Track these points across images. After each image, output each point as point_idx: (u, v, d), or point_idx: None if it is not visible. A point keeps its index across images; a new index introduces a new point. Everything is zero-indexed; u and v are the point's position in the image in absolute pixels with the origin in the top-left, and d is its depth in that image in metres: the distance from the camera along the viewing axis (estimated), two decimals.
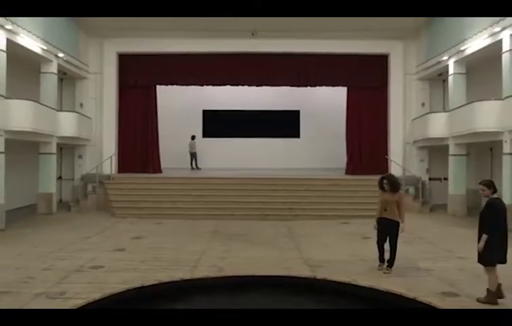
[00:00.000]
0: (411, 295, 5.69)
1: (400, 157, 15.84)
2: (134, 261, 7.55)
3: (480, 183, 5.63)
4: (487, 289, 5.48)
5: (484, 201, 5.65)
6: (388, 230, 6.74)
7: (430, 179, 16.09)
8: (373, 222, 7.05)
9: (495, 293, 5.41)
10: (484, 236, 5.33)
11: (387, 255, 6.90)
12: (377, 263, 7.00)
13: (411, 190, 15.14)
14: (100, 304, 5.47)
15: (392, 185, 6.80)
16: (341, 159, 16.88)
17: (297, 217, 12.51)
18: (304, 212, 12.81)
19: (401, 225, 6.68)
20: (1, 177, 10.76)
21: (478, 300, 5.49)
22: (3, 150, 10.77)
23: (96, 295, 5.64)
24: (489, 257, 5.38)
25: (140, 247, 8.75)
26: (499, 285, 5.44)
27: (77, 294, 5.68)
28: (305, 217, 12.50)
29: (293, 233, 10.50)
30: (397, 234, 6.70)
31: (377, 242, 6.95)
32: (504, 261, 5.38)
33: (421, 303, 5.46)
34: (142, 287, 6.04)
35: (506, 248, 5.36)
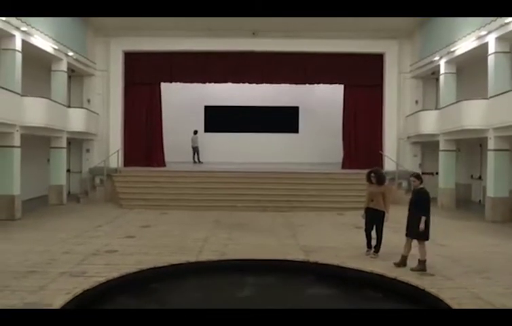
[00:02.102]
0: (392, 275, 6.43)
1: (395, 153, 16.55)
2: (145, 246, 8.29)
3: (411, 176, 6.95)
4: (420, 260, 6.69)
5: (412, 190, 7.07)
6: (374, 219, 7.46)
7: (422, 173, 16.75)
8: (363, 212, 7.78)
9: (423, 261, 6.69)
10: (423, 218, 6.56)
11: (374, 242, 7.63)
12: (366, 249, 7.72)
13: (404, 184, 15.85)
14: (118, 282, 6.20)
15: (378, 178, 7.52)
16: (338, 154, 17.57)
17: (295, 209, 13.22)
18: (302, 204, 13.53)
19: (386, 214, 7.40)
20: (17, 170, 11.48)
21: (412, 269, 6.64)
22: (18, 144, 11.48)
23: (114, 274, 6.37)
24: (426, 233, 6.64)
25: (149, 235, 9.50)
26: (405, 257, 6.86)
27: (97, 273, 6.41)
28: (303, 209, 13.21)
29: (290, 223, 11.22)
30: (382, 222, 7.42)
31: (365, 230, 7.67)
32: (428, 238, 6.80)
33: (400, 281, 6.20)
34: (154, 268, 6.78)
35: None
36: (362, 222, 7.93)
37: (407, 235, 6.88)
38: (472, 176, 15.90)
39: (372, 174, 7.60)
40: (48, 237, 9.08)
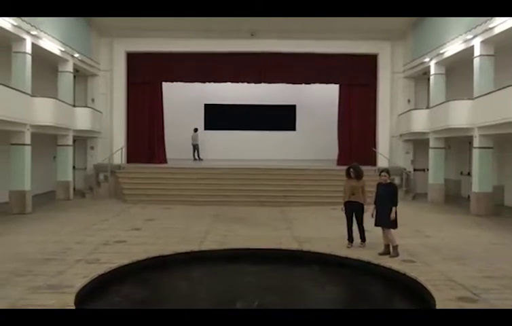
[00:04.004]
0: (376, 262, 7.11)
1: (388, 150, 17.22)
2: (151, 237, 8.93)
3: (381, 171, 7.68)
4: (393, 246, 7.42)
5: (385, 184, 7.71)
6: (355, 211, 8.11)
7: (414, 170, 17.50)
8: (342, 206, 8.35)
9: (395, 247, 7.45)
10: (394, 208, 7.31)
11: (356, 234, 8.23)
12: (354, 240, 8.28)
13: (397, 180, 16.51)
14: (129, 268, 6.85)
15: (357, 173, 8.13)
16: (334, 151, 18.24)
17: (291, 204, 13.87)
18: (297, 199, 14.17)
19: (365, 206, 8.06)
20: (28, 167, 12.11)
21: (390, 257, 7.31)
22: (29, 142, 12.10)
23: (125, 261, 7.02)
24: (396, 222, 7.39)
25: (154, 227, 10.13)
26: (388, 246, 7.52)
27: (109, 260, 7.06)
28: (299, 204, 13.85)
29: (286, 217, 11.88)
30: (362, 213, 8.07)
31: (348, 223, 8.23)
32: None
33: (384, 267, 6.87)
34: (161, 256, 7.45)
35: None
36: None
37: (378, 225, 7.58)
38: (461, 172, 16.57)
39: (351, 170, 8.21)
40: (60, 229, 9.72)
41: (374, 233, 8.16)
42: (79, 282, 5.89)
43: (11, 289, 5.66)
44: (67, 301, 5.21)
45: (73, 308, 5.04)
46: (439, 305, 5.21)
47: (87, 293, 5.74)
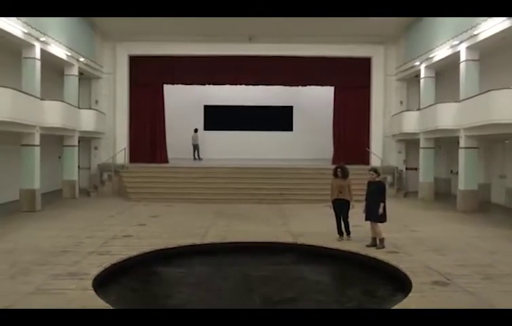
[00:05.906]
0: (363, 252, 7.79)
1: (381, 150, 17.90)
2: (156, 232, 9.59)
3: (370, 170, 8.36)
4: (380, 239, 8.10)
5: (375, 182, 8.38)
6: (342, 207, 8.81)
7: (406, 169, 18.19)
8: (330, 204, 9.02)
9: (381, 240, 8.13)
10: (381, 204, 7.96)
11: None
12: (343, 235, 8.96)
13: (389, 178, 17.21)
14: (138, 259, 7.51)
15: (344, 172, 8.82)
16: (329, 150, 18.92)
17: (288, 201, 14.53)
18: (294, 197, 14.83)
19: (351, 203, 8.74)
20: (37, 166, 12.75)
21: (376, 248, 7.95)
22: (38, 143, 12.74)
23: (133, 253, 7.68)
24: (384, 217, 8.04)
25: (158, 223, 10.79)
26: (375, 238, 8.19)
27: (119, 251, 7.72)
28: (295, 201, 14.50)
29: (283, 213, 12.53)
30: (348, 209, 8.77)
31: (337, 219, 8.93)
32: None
33: (370, 257, 7.56)
34: (166, 248, 8.12)
35: None
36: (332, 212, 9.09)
37: (368, 219, 8.23)
38: (451, 171, 17.25)
39: (339, 170, 8.89)
40: (70, 225, 10.37)
41: (363, 227, 8.84)
42: (94, 271, 6.54)
43: (34, 276, 6.32)
44: (86, 286, 5.88)
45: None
46: (414, 288, 5.89)
47: (102, 279, 6.40)
